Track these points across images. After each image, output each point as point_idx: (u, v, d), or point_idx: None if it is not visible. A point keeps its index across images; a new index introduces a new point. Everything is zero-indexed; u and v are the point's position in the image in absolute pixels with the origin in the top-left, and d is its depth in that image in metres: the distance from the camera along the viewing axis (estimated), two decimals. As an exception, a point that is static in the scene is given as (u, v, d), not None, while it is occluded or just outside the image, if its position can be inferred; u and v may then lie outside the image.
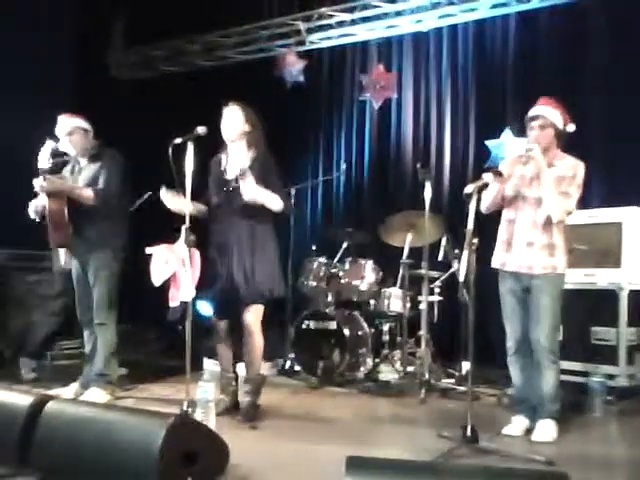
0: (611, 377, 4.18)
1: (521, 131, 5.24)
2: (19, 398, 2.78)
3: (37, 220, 4.07)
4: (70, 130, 4.17)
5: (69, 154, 4.26)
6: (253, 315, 3.74)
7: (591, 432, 3.70)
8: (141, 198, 4.41)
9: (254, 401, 3.77)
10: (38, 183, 3.95)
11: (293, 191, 5.45)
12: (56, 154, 4.10)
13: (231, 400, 3.85)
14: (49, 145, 4.00)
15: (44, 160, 3.95)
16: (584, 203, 3.63)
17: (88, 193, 4.06)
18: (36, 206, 4.04)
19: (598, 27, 5.35)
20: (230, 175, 3.81)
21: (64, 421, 2.60)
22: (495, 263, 3.62)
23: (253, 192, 3.62)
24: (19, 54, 6.34)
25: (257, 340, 3.77)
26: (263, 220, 3.79)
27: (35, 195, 4.04)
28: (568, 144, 3.59)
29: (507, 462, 2.89)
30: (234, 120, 3.82)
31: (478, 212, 3.25)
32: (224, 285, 3.74)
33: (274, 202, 3.71)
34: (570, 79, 5.37)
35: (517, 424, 3.51)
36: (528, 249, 3.47)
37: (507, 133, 5.76)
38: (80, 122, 4.23)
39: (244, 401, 3.80)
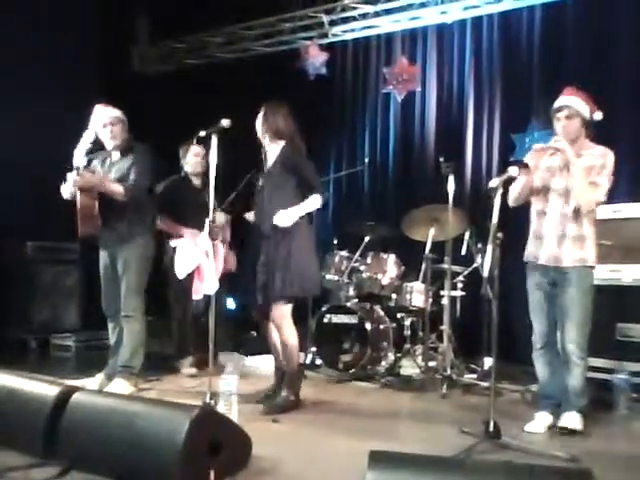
0: (636, 374, 4.12)
1: (547, 123, 5.20)
2: (46, 388, 2.83)
3: (70, 198, 4.07)
4: (112, 120, 4.19)
5: (97, 148, 4.28)
6: (277, 311, 3.79)
7: (616, 429, 3.66)
8: (243, 181, 4.16)
9: (287, 396, 3.82)
10: (72, 178, 4.00)
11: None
12: (90, 151, 4.12)
13: (275, 390, 3.95)
14: (86, 141, 4.03)
15: (80, 156, 4.00)
16: (609, 198, 3.57)
17: (119, 188, 4.08)
18: (68, 187, 4.07)
19: (625, 17, 5.27)
20: (266, 168, 3.97)
21: (90, 412, 2.64)
22: (527, 256, 3.59)
23: (289, 221, 3.73)
24: (44, 53, 6.42)
25: (286, 334, 3.82)
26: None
27: (64, 179, 4.07)
28: (594, 137, 3.54)
29: (530, 458, 2.86)
30: (258, 119, 3.97)
31: (503, 206, 3.22)
32: (257, 281, 3.85)
33: (313, 205, 3.83)
34: (596, 71, 5.27)
35: (540, 420, 3.48)
36: (559, 241, 3.44)
37: (532, 125, 5.69)
38: (120, 113, 4.25)
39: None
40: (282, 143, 3.92)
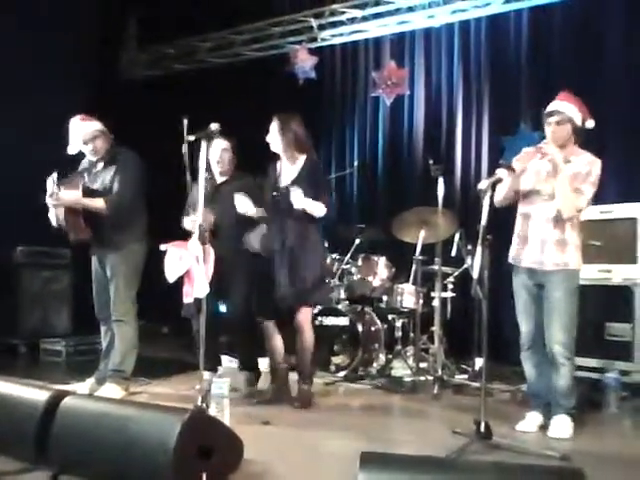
0: (626, 373, 4.15)
1: (536, 126, 5.24)
2: (36, 393, 2.81)
3: (57, 226, 4.09)
4: (94, 135, 4.13)
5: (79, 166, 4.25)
6: (303, 315, 3.97)
7: (606, 428, 3.69)
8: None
9: (308, 388, 4.06)
10: (49, 203, 3.99)
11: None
12: (61, 181, 4.04)
13: (279, 389, 4.11)
14: (53, 177, 3.99)
15: (51, 184, 3.97)
16: (599, 198, 3.59)
17: (100, 204, 4.04)
18: (54, 214, 4.06)
19: (613, 20, 5.32)
20: (282, 182, 4.07)
21: (80, 416, 2.63)
22: (511, 258, 3.61)
23: (301, 203, 3.87)
24: (44, 53, 6.41)
25: (307, 337, 4.02)
26: (310, 224, 3.98)
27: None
28: (584, 139, 3.56)
29: (521, 458, 2.88)
30: (272, 133, 4.04)
31: (492, 208, 3.24)
32: (275, 286, 3.95)
33: (317, 209, 3.93)
34: (584, 73, 5.32)
35: (531, 420, 3.50)
36: (542, 245, 3.45)
37: (521, 128, 5.73)
38: (100, 126, 4.18)
39: (296, 389, 4.09)
40: (302, 156, 4.02)
